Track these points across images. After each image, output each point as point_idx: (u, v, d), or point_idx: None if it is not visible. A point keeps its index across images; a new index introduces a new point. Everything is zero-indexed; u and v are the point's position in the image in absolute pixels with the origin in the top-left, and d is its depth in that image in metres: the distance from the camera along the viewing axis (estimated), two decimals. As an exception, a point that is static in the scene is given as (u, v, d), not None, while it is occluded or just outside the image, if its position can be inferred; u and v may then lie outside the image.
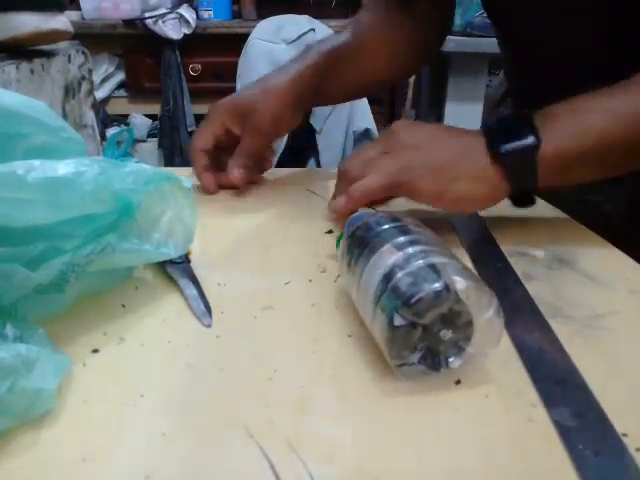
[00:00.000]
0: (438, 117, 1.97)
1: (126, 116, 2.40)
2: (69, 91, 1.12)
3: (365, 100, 2.01)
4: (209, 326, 0.38)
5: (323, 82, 0.65)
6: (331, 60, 0.65)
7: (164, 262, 0.44)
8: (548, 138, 0.46)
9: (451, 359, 0.33)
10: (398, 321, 0.31)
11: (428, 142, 0.50)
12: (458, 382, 0.33)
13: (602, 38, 0.57)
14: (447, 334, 0.32)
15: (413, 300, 0.30)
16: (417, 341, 0.32)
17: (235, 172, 0.60)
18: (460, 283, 0.31)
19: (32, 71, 0.99)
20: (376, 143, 0.52)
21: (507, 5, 0.64)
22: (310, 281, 0.44)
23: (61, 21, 0.98)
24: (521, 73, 0.71)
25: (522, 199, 0.50)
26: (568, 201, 0.59)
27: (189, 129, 2.31)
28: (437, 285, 0.31)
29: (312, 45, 0.68)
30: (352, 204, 0.49)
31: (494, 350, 0.33)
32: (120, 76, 2.37)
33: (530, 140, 0.46)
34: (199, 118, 2.34)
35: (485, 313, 0.32)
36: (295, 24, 2.00)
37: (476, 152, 0.48)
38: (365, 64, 0.68)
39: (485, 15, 1.82)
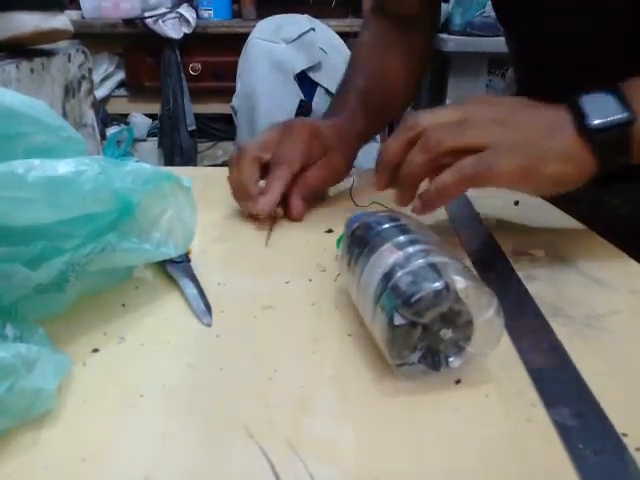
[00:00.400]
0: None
1: (126, 115, 2.40)
2: (69, 90, 1.12)
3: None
4: (209, 326, 0.38)
5: (371, 125, 0.67)
6: (370, 104, 0.66)
7: (164, 262, 0.44)
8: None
9: (451, 359, 0.33)
10: (398, 320, 0.31)
11: (509, 118, 0.45)
12: (458, 382, 0.33)
13: (618, 38, 0.56)
14: (447, 333, 0.32)
15: (413, 299, 0.30)
16: (417, 340, 0.32)
17: (299, 204, 0.55)
18: (460, 282, 0.31)
19: (32, 70, 0.99)
20: (453, 109, 0.47)
21: (522, 6, 0.63)
22: (310, 281, 0.44)
23: (61, 20, 0.98)
24: (532, 75, 0.70)
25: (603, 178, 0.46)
26: (584, 205, 0.59)
27: (189, 128, 2.31)
28: (437, 284, 0.31)
29: (346, 84, 0.69)
30: (430, 209, 0.45)
31: (494, 350, 0.33)
32: (120, 75, 2.37)
33: (624, 115, 0.43)
34: (199, 117, 2.35)
35: (485, 313, 0.32)
36: (295, 24, 2.00)
37: (563, 128, 0.44)
38: (393, 100, 0.71)
39: (485, 15, 1.82)
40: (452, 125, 0.45)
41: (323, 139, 0.58)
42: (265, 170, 0.56)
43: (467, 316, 0.32)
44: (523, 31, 0.67)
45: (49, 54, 1.05)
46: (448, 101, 1.90)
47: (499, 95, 0.58)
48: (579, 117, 0.43)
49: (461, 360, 0.33)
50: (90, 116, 1.21)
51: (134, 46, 2.28)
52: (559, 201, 0.57)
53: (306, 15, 2.05)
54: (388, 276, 0.33)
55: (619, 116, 0.43)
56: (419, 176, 0.46)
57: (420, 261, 0.32)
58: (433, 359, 0.32)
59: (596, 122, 0.43)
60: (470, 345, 0.32)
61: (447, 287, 0.31)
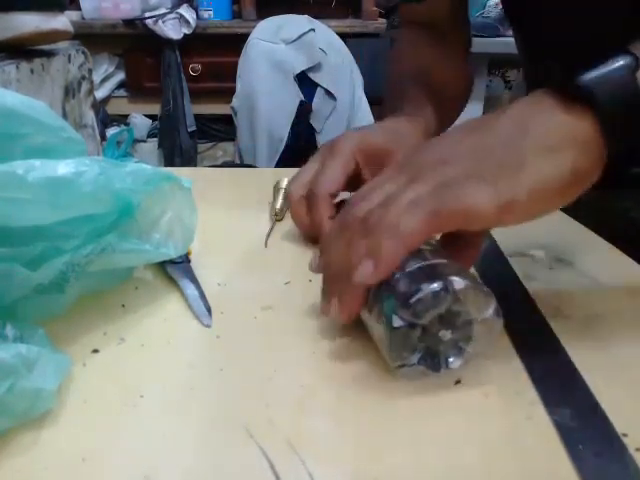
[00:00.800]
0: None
1: (126, 116, 2.40)
2: (69, 91, 1.12)
3: (365, 100, 2.01)
4: (209, 326, 0.38)
5: (440, 127, 0.60)
6: (443, 106, 0.61)
7: (164, 262, 0.44)
8: None
9: (451, 359, 0.33)
10: (397, 322, 0.31)
11: (463, 142, 0.34)
12: (458, 382, 0.33)
13: (632, 38, 0.54)
14: (446, 334, 0.32)
15: (412, 301, 0.30)
16: (416, 342, 0.32)
17: None
18: (458, 283, 0.31)
19: (32, 71, 0.99)
20: (391, 172, 0.36)
21: (536, 6, 0.61)
22: (310, 281, 0.44)
23: (61, 21, 0.98)
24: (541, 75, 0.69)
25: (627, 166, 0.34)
26: (593, 209, 0.58)
27: (189, 129, 2.31)
28: (435, 285, 0.31)
29: (405, 79, 0.64)
30: (381, 275, 0.32)
31: (493, 350, 0.33)
32: (120, 76, 2.37)
33: (623, 60, 0.32)
34: (199, 118, 2.35)
35: (484, 313, 0.32)
36: (295, 24, 2.00)
37: (540, 111, 0.33)
38: (452, 88, 0.67)
39: (485, 16, 1.82)
40: (389, 197, 0.34)
41: (372, 146, 0.50)
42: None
43: (466, 316, 0.32)
44: (533, 31, 0.66)
45: (49, 55, 1.05)
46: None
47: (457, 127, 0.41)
48: (559, 81, 0.33)
49: (461, 361, 0.33)
50: (90, 117, 1.21)
51: (134, 47, 2.28)
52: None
53: (306, 15, 2.05)
54: (386, 278, 0.33)
55: (614, 63, 0.32)
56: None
57: (418, 263, 0.32)
58: (433, 360, 0.32)
59: (586, 75, 0.32)
60: (470, 345, 0.32)
61: (446, 288, 0.31)
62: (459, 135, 0.35)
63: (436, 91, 0.61)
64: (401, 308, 0.31)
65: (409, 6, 0.73)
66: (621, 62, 0.32)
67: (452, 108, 0.68)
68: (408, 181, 0.33)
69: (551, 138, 0.32)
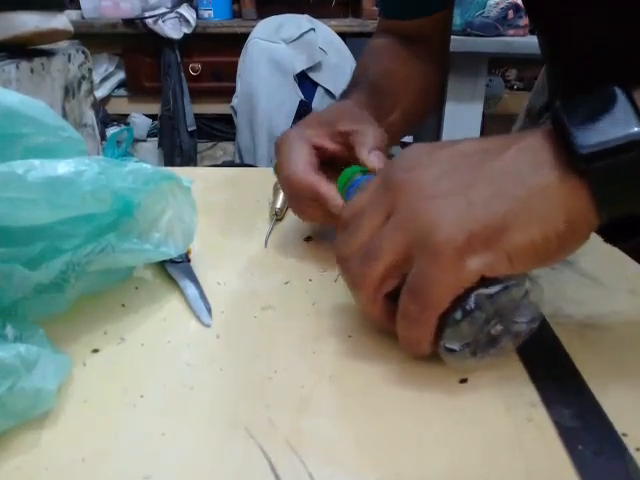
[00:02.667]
0: (438, 118, 1.97)
1: (126, 116, 2.40)
2: (69, 90, 1.12)
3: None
4: (209, 326, 0.38)
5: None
6: (375, 97, 0.59)
7: (164, 262, 0.44)
8: None
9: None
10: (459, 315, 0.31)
11: (447, 181, 0.32)
12: (463, 381, 0.33)
13: None
14: (499, 330, 0.32)
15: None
16: (476, 331, 0.32)
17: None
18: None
19: (32, 70, 0.99)
20: (371, 199, 0.35)
21: (567, 14, 0.59)
22: (310, 281, 0.44)
23: (61, 21, 0.98)
24: (565, 76, 0.67)
25: (619, 231, 0.33)
26: None
27: (189, 129, 2.31)
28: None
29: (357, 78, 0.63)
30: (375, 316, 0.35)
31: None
32: (120, 75, 2.37)
33: (635, 129, 0.28)
34: (199, 118, 2.35)
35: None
36: (295, 24, 2.00)
37: (536, 164, 0.31)
38: (398, 98, 0.64)
39: (485, 15, 1.82)
40: (367, 242, 0.34)
41: (325, 120, 0.50)
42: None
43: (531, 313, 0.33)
44: (555, 32, 0.65)
45: (49, 54, 1.05)
46: (448, 101, 1.90)
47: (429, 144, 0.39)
48: (560, 142, 0.30)
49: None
50: (90, 116, 1.21)
51: (134, 46, 2.28)
52: None
53: (306, 15, 2.05)
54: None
55: (624, 131, 0.28)
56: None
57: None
58: (476, 346, 0.33)
59: (589, 143, 0.29)
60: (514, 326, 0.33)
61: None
62: (456, 157, 0.33)
63: (376, 106, 0.59)
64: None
65: (390, 21, 0.72)
66: (631, 132, 0.28)
67: (398, 120, 0.64)
68: (391, 219, 0.33)
69: (542, 201, 0.30)
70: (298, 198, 0.48)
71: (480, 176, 0.31)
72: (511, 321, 0.33)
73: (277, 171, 0.49)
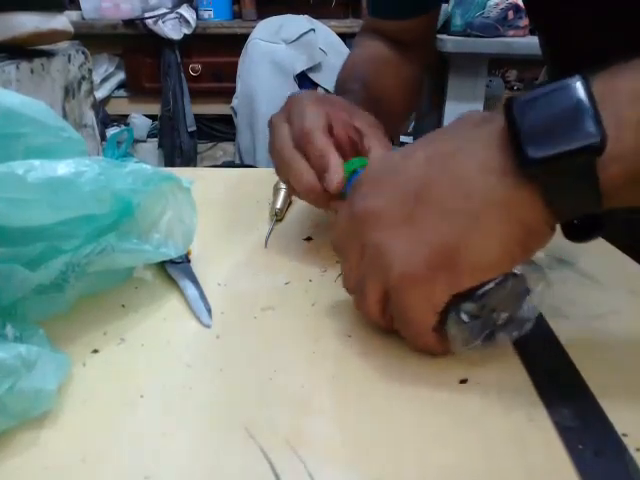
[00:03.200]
0: (438, 118, 1.97)
1: (126, 116, 2.40)
2: (69, 91, 1.12)
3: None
4: (209, 326, 0.38)
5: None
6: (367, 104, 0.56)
7: (164, 262, 0.44)
8: (615, 130, 0.27)
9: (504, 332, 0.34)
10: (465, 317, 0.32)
11: (399, 208, 0.32)
12: (463, 381, 0.33)
13: None
14: (503, 316, 0.33)
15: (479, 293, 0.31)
16: (479, 329, 0.33)
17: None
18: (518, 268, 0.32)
19: (32, 71, 0.99)
20: (345, 229, 0.36)
21: (567, 14, 0.59)
22: (310, 281, 0.44)
23: (61, 21, 0.98)
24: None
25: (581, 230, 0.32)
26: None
27: (189, 129, 2.31)
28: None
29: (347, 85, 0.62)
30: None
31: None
32: (120, 76, 2.37)
33: (590, 137, 0.27)
34: (199, 118, 2.35)
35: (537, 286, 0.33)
36: (295, 24, 2.00)
37: (485, 172, 0.30)
38: (390, 107, 0.64)
39: (485, 16, 1.82)
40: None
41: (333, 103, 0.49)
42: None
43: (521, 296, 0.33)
44: (555, 32, 0.65)
45: (49, 55, 1.05)
46: (448, 102, 1.90)
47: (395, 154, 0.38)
48: (511, 147, 0.29)
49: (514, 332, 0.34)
50: (90, 117, 1.21)
51: (134, 47, 2.28)
52: None
53: (306, 15, 2.05)
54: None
55: (577, 137, 0.27)
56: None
57: None
58: (489, 335, 0.33)
59: (541, 150, 0.27)
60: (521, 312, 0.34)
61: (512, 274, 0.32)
62: (398, 188, 0.33)
63: (371, 102, 0.58)
64: (467, 303, 0.32)
65: (376, 20, 0.73)
66: (585, 141, 0.26)
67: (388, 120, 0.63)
68: (362, 250, 0.34)
69: (494, 214, 0.29)
70: (298, 158, 0.45)
71: (428, 197, 0.31)
72: (515, 307, 0.33)
73: (289, 122, 0.47)
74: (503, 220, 0.29)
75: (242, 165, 2.08)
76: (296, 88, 1.98)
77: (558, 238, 0.51)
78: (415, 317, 0.33)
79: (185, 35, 2.16)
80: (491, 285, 0.32)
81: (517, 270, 0.32)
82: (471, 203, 0.30)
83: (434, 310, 0.32)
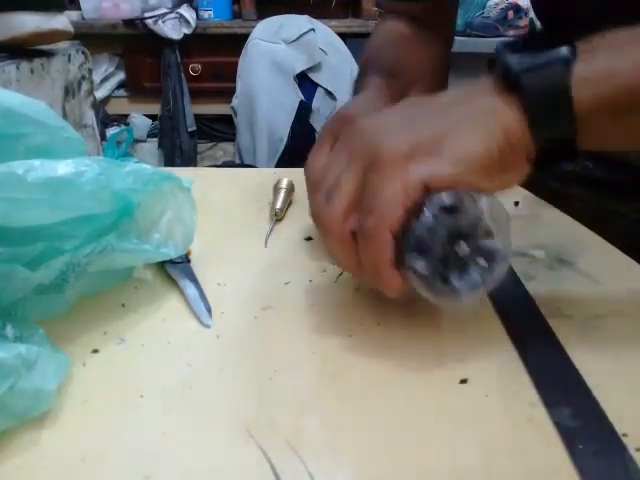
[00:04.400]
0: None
1: (126, 116, 2.40)
2: (69, 91, 1.12)
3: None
4: (209, 326, 0.38)
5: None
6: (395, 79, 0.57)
7: (164, 262, 0.44)
8: (586, 56, 0.32)
9: (457, 282, 0.32)
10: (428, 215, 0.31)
11: (399, 116, 0.35)
12: (463, 381, 0.33)
13: None
14: (464, 248, 0.32)
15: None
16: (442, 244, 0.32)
17: None
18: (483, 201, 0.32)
19: (32, 71, 0.99)
20: (331, 155, 0.38)
21: (570, 8, 0.59)
22: (310, 281, 0.44)
23: (61, 21, 0.98)
24: None
25: (556, 156, 0.34)
26: (594, 209, 0.56)
27: (189, 129, 2.31)
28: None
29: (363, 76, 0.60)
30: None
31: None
32: (120, 76, 2.37)
33: (562, 52, 0.32)
34: (199, 118, 2.35)
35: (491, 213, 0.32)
36: (295, 24, 2.00)
37: (477, 91, 0.34)
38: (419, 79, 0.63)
39: (485, 16, 1.82)
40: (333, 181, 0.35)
41: None
42: None
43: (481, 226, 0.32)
44: (565, 32, 0.65)
45: (49, 55, 1.05)
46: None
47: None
48: (499, 69, 0.33)
49: (467, 284, 0.32)
50: (90, 117, 1.21)
51: (134, 47, 2.28)
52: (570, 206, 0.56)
53: (306, 15, 2.05)
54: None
55: (551, 53, 0.32)
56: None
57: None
58: (443, 277, 0.32)
59: (519, 63, 0.32)
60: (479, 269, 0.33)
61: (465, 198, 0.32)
62: (398, 107, 0.37)
63: (397, 89, 0.57)
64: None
65: (396, 2, 0.72)
66: (558, 54, 0.31)
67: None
68: (349, 158, 0.35)
69: (482, 116, 0.32)
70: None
71: (426, 107, 0.35)
72: (477, 242, 0.32)
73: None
74: (489, 123, 0.32)
75: (242, 165, 2.08)
76: (296, 88, 1.98)
77: (558, 238, 0.51)
78: (382, 200, 0.31)
79: (185, 35, 2.16)
80: (447, 198, 0.31)
81: (474, 198, 0.32)
82: (464, 107, 0.33)
83: (404, 197, 0.31)
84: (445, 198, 0.31)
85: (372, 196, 0.32)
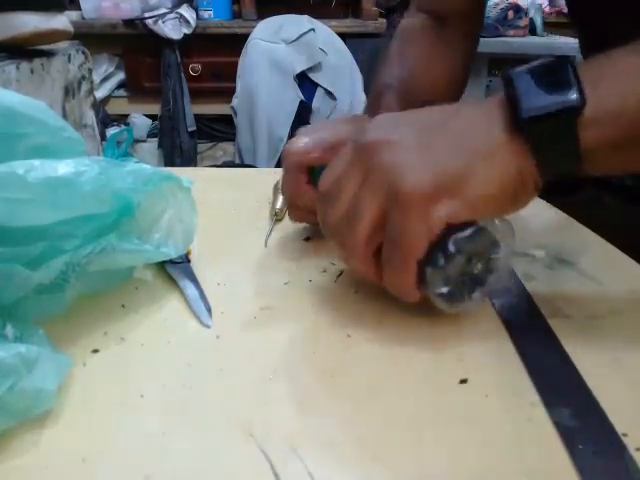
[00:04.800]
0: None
1: (126, 116, 2.40)
2: (69, 91, 1.12)
3: (365, 100, 2.01)
4: (209, 326, 0.38)
5: None
6: (408, 99, 0.57)
7: (164, 262, 0.44)
8: (595, 96, 0.32)
9: (475, 293, 0.36)
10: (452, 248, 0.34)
11: (414, 137, 0.35)
12: (463, 381, 0.33)
13: None
14: (478, 266, 0.36)
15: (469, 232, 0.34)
16: (452, 273, 0.35)
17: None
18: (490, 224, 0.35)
19: (32, 71, 0.99)
20: (345, 166, 0.37)
21: (606, 13, 0.59)
22: (310, 281, 0.44)
23: (61, 21, 0.98)
24: None
25: (560, 187, 0.37)
26: (594, 209, 0.56)
27: (189, 129, 2.31)
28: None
29: (380, 84, 0.61)
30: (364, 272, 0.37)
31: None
32: (120, 76, 2.37)
33: (569, 97, 0.32)
34: (199, 118, 2.35)
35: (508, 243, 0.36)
36: (295, 24, 2.00)
37: (489, 124, 0.34)
38: (436, 96, 0.62)
39: (485, 16, 1.82)
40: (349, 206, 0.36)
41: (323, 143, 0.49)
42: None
43: (494, 249, 0.36)
44: (596, 30, 0.64)
45: (49, 55, 1.05)
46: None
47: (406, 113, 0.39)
48: (509, 106, 0.34)
49: (482, 294, 0.37)
50: (90, 117, 1.21)
51: (134, 47, 2.28)
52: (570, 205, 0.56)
53: (306, 15, 2.05)
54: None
55: (561, 97, 0.32)
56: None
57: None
58: (459, 293, 0.36)
59: (529, 109, 0.32)
60: (491, 277, 0.37)
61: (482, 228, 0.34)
62: (422, 121, 0.37)
63: (413, 100, 0.55)
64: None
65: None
66: (567, 99, 0.32)
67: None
68: (364, 180, 0.35)
69: (497, 156, 0.34)
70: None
71: (442, 132, 0.35)
72: (488, 258, 0.36)
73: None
74: (504, 164, 0.34)
75: (242, 165, 2.08)
76: (296, 88, 1.98)
77: (558, 238, 0.51)
78: (408, 239, 0.34)
79: (185, 35, 2.16)
80: (468, 232, 0.34)
81: (489, 224, 0.35)
82: (479, 145, 0.34)
83: (429, 234, 0.33)
84: (467, 232, 0.34)
85: (398, 232, 0.34)
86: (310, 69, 2.00)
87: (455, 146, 0.34)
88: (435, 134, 0.35)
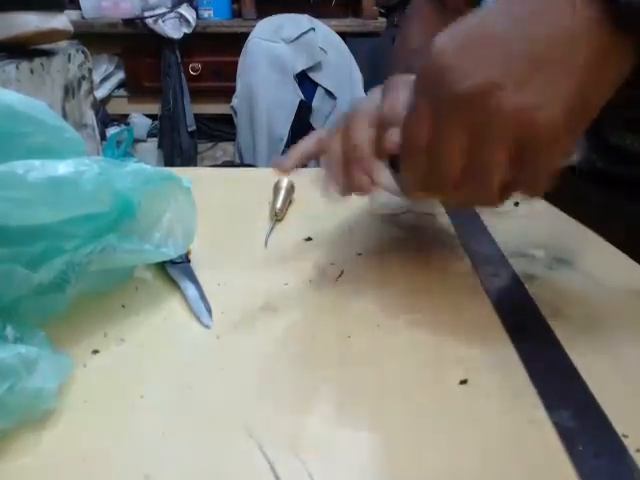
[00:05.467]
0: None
1: (126, 116, 2.40)
2: (69, 91, 1.12)
3: (365, 100, 2.00)
4: (209, 326, 0.38)
5: None
6: None
7: (164, 262, 0.44)
8: None
9: None
10: None
11: (511, 65, 0.30)
12: (463, 382, 0.33)
13: None
14: None
15: None
16: None
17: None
18: None
19: (32, 71, 0.99)
20: (436, 120, 0.33)
21: None
22: (310, 281, 0.44)
23: (61, 20, 0.98)
24: None
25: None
26: (594, 209, 0.56)
27: (189, 129, 2.31)
28: None
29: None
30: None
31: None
32: (120, 75, 2.37)
33: None
34: (199, 118, 2.35)
35: None
36: (295, 23, 2.00)
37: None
38: None
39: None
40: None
41: None
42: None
43: None
44: None
45: (49, 54, 1.05)
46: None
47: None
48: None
49: None
50: (90, 116, 1.21)
51: (134, 46, 2.28)
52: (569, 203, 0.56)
53: (306, 15, 2.05)
54: None
55: None
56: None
57: None
58: None
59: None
60: None
61: None
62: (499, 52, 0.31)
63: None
64: None
65: None
66: None
67: None
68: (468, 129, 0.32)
69: (563, 31, 0.29)
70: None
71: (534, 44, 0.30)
72: None
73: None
74: (571, 33, 0.29)
75: (242, 165, 2.08)
76: (296, 87, 1.98)
77: (558, 238, 0.51)
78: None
79: (185, 34, 2.16)
80: None
81: None
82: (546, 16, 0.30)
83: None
84: None
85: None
86: (310, 68, 2.00)
87: (564, 64, 0.29)
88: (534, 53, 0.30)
